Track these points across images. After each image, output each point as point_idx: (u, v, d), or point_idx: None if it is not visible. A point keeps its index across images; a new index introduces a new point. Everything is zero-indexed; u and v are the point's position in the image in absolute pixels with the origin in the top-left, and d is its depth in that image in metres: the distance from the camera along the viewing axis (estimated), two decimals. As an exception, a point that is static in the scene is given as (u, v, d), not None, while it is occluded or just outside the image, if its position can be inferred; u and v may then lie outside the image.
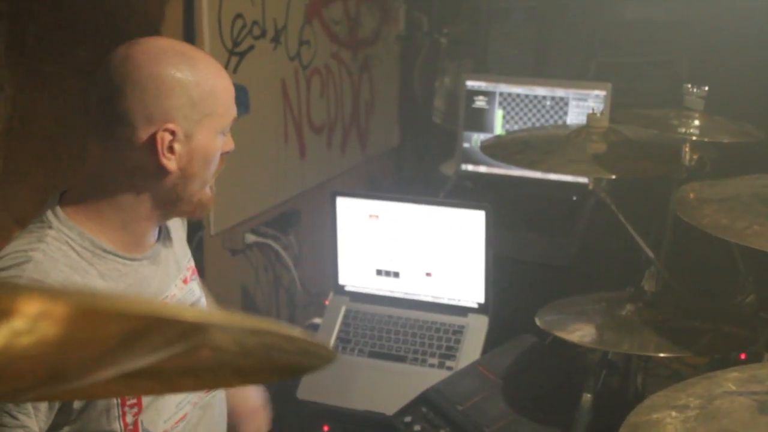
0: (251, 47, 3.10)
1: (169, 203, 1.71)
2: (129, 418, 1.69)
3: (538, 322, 2.26)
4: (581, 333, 2.20)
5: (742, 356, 2.43)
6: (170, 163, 1.64)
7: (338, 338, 2.77)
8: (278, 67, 3.27)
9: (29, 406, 1.57)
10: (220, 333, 0.67)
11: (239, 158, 3.04)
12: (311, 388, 2.69)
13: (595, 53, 3.83)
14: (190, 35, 2.79)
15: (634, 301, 2.28)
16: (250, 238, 3.16)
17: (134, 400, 1.69)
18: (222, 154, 1.73)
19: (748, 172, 2.19)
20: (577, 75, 3.57)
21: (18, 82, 2.17)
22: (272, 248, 3.20)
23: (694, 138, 2.20)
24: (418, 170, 4.02)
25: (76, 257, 1.65)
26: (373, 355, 2.72)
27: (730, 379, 1.25)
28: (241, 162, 3.05)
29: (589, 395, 2.21)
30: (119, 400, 1.66)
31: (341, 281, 2.85)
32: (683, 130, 2.21)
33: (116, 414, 1.67)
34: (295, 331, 0.74)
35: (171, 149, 1.63)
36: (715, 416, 1.12)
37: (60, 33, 2.31)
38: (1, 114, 2.16)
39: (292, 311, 3.28)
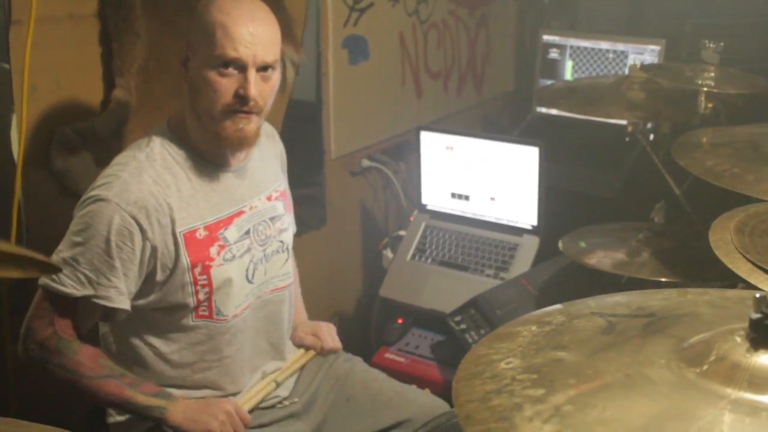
0: (371, 4, 3.05)
1: (197, 119, 1.72)
2: (201, 296, 1.75)
3: (560, 246, 2.17)
4: (593, 256, 2.10)
5: None
6: (186, 78, 1.72)
7: (417, 248, 2.76)
8: (396, 21, 3.21)
9: (120, 271, 1.65)
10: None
11: (358, 96, 3.06)
12: (391, 288, 2.70)
13: (689, 14, 3.54)
14: (314, -6, 2.77)
15: (646, 232, 2.14)
16: (366, 162, 3.15)
17: (206, 281, 1.73)
18: (239, 97, 1.66)
19: (759, 122, 1.99)
20: (671, 35, 3.31)
21: (152, 30, 2.23)
22: (384, 172, 3.19)
23: (705, 89, 2.02)
24: (527, 111, 3.88)
25: (172, 160, 1.74)
26: (442, 263, 2.70)
27: (609, 301, 1.16)
28: (360, 100, 3.05)
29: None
30: (192, 279, 1.72)
31: (424, 201, 2.82)
32: (698, 81, 2.02)
33: (190, 290, 1.74)
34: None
35: (186, 66, 1.72)
36: (563, 333, 1.05)
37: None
38: (137, 55, 2.22)
39: (399, 223, 3.27)
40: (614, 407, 0.85)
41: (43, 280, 1.66)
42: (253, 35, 1.65)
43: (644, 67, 2.28)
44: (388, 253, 2.85)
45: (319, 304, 2.82)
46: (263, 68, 1.68)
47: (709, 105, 2.06)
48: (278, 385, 1.93)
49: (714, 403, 0.85)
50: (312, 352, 2.04)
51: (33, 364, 1.71)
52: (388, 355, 2.52)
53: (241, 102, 1.67)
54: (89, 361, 1.68)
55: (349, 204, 3.17)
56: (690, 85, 2.03)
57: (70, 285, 1.65)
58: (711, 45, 2.02)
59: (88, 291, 1.65)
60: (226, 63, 1.65)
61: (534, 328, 1.07)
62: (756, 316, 0.89)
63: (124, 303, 1.69)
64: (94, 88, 2.16)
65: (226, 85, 1.66)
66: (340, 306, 3.03)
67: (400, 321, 2.63)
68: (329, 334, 2.06)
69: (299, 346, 2.04)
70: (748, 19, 3.52)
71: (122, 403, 1.70)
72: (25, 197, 2.01)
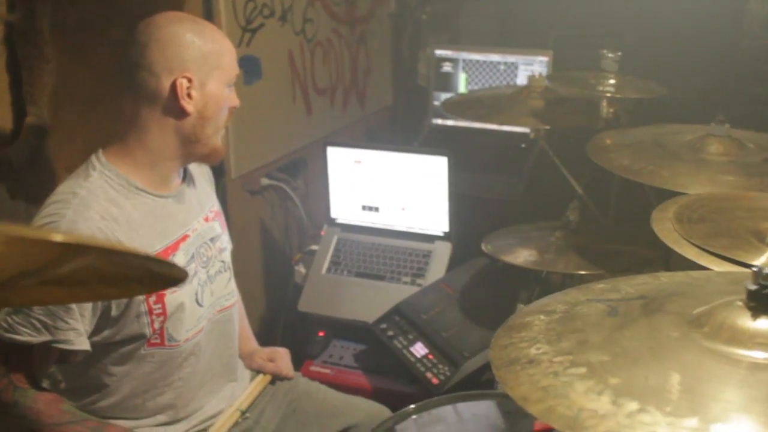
0: (262, 25, 3.08)
1: (189, 144, 1.76)
2: (156, 325, 1.74)
3: (483, 247, 2.28)
4: (517, 255, 2.22)
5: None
6: (189, 106, 1.72)
7: (331, 261, 2.81)
8: (286, 41, 3.26)
9: (76, 312, 1.62)
10: (92, 252, 0.70)
11: (254, 115, 3.09)
12: (309, 302, 2.74)
13: (554, 27, 3.79)
14: (208, 16, 2.78)
15: (562, 229, 2.29)
16: (265, 181, 3.17)
17: (160, 310, 1.73)
18: (229, 108, 1.79)
19: (655, 123, 2.19)
20: (537, 46, 3.54)
21: (61, 56, 2.19)
22: (283, 189, 3.22)
23: (608, 95, 2.19)
24: (408, 123, 4.01)
25: (114, 193, 1.71)
26: (359, 275, 2.76)
27: (595, 289, 1.26)
28: (256, 118, 3.07)
29: (522, 305, 2.23)
30: (147, 309, 1.71)
31: (333, 215, 2.88)
32: (600, 88, 2.20)
33: (146, 321, 1.72)
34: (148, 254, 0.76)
35: (189, 95, 1.71)
36: (573, 318, 1.15)
37: (97, 15, 2.32)
38: (47, 82, 2.18)
39: (300, 240, 3.31)
40: (655, 377, 0.95)
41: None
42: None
43: (548, 77, 2.45)
44: (301, 269, 2.89)
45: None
46: None
47: (610, 110, 2.24)
48: (243, 413, 1.95)
49: (736, 363, 0.97)
50: (268, 377, 2.07)
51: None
52: (313, 368, 2.56)
53: (231, 113, 1.81)
54: (50, 409, 1.64)
55: (251, 223, 3.19)
56: (593, 92, 2.20)
57: (25, 333, 1.60)
58: (609, 54, 2.20)
59: (46, 337, 1.61)
60: (235, 80, 1.79)
61: (542, 317, 1.16)
62: (753, 287, 1.02)
63: (83, 344, 1.66)
64: (5, 117, 2.10)
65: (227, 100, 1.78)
66: (252, 323, 3.02)
67: (321, 334, 2.67)
68: (285, 360, 2.11)
69: (257, 372, 2.07)
70: (604, 29, 3.81)
71: None
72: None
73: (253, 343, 2.21)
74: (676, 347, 1.01)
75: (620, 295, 1.21)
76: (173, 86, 1.69)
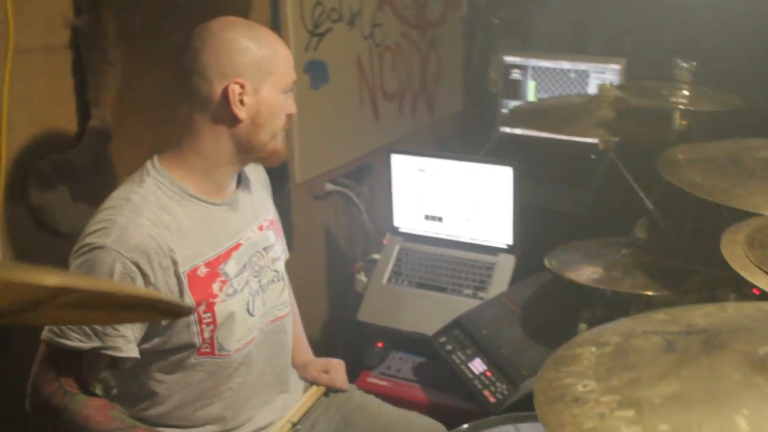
0: (329, 29, 3.06)
1: (243, 150, 1.74)
2: (206, 334, 1.72)
3: (546, 262, 2.20)
4: (581, 272, 2.13)
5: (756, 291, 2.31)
6: (241, 112, 1.69)
7: (392, 271, 2.76)
8: (354, 45, 3.23)
9: None
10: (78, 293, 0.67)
11: (320, 120, 3.06)
12: (369, 312, 2.70)
13: (629, 33, 3.66)
14: (275, 20, 2.77)
15: (629, 246, 2.19)
16: (330, 186, 3.15)
17: (210, 319, 1.71)
18: (288, 115, 1.77)
19: (731, 136, 2.07)
20: (613, 53, 3.42)
21: (126, 59, 2.19)
22: (348, 196, 3.19)
23: (681, 107, 2.09)
24: (478, 130, 3.93)
25: (167, 199, 1.70)
26: (419, 285, 2.70)
27: (654, 320, 1.18)
28: (322, 123, 3.05)
29: (584, 325, 2.14)
30: (197, 318, 1.69)
31: (396, 224, 2.83)
32: (673, 99, 2.09)
33: (195, 330, 1.70)
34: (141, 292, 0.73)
35: (242, 101, 1.68)
36: (627, 353, 1.07)
37: (162, 19, 2.32)
38: (111, 86, 2.18)
39: (364, 248, 3.27)
40: (711, 425, 0.87)
41: (47, 334, 1.61)
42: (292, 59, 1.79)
43: (619, 87, 2.35)
44: (362, 277, 2.84)
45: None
46: None
47: (683, 122, 2.13)
48: (294, 425, 1.92)
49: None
50: (322, 388, 2.03)
51: (41, 421, 1.66)
52: (370, 380, 2.51)
53: (290, 119, 1.79)
54: (99, 415, 1.63)
55: (314, 229, 3.17)
56: (665, 103, 2.10)
57: (75, 338, 1.60)
58: (683, 64, 2.10)
59: (95, 343, 1.61)
60: (292, 87, 1.77)
61: (594, 349, 1.08)
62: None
63: (132, 351, 1.65)
64: (70, 120, 2.12)
65: (285, 106, 1.77)
66: (310, 332, 3.00)
67: (379, 345, 2.62)
68: (340, 372, 2.07)
69: (311, 383, 2.04)
70: (683, 36, 3.67)
71: None
72: (1, 234, 1.95)
73: (308, 353, 2.18)
74: (738, 392, 0.93)
75: (680, 328, 1.13)
76: (225, 92, 1.67)
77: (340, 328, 2.83)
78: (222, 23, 1.71)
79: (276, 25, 2.77)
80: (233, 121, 1.70)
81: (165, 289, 1.65)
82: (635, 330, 1.14)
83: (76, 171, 2.10)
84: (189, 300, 1.68)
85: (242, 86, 1.68)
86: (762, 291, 1.40)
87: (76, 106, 2.12)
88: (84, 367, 1.65)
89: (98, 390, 1.76)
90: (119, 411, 1.69)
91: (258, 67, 1.69)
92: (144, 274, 1.62)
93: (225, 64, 1.67)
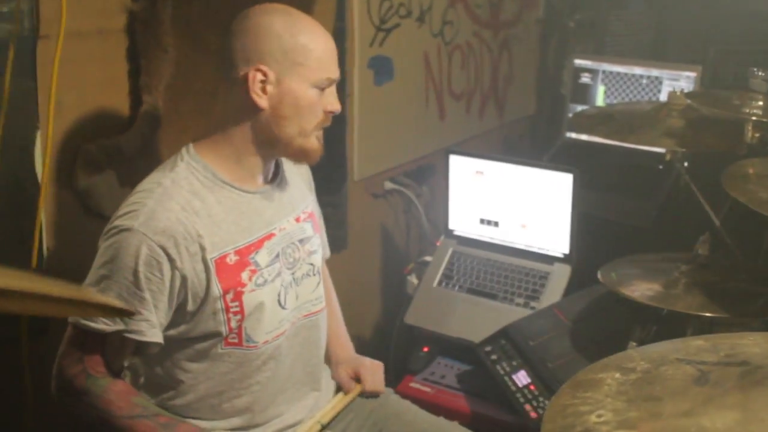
0: (397, 24, 2.99)
1: (268, 142, 1.68)
2: (233, 323, 1.67)
3: (599, 276, 2.08)
4: (635, 288, 2.01)
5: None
6: (261, 100, 1.64)
7: (443, 274, 2.67)
8: (422, 42, 3.15)
9: (150, 302, 1.58)
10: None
11: (382, 117, 2.99)
12: (416, 315, 2.62)
13: (712, 41, 3.49)
14: (341, 14, 2.71)
15: (689, 263, 2.06)
16: (389, 185, 3.08)
17: (237, 308, 1.66)
18: (326, 113, 1.69)
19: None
20: (694, 61, 3.26)
21: (181, 47, 2.17)
22: (407, 195, 3.11)
23: (754, 118, 1.94)
24: (550, 134, 3.81)
25: (199, 185, 1.66)
26: (470, 291, 2.61)
27: (690, 346, 1.07)
28: (384, 120, 2.99)
29: (634, 344, 2.01)
30: (224, 306, 1.65)
31: (451, 226, 2.74)
32: (746, 109, 1.95)
33: (222, 318, 1.66)
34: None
35: (264, 90, 1.63)
36: (652, 382, 0.97)
37: (221, 7, 2.29)
38: (164, 72, 2.16)
39: (421, 249, 3.19)
40: (731, 472, 0.77)
41: (74, 320, 1.59)
42: (336, 54, 1.69)
43: (688, 95, 2.21)
44: (413, 279, 2.76)
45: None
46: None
47: (756, 135, 1.99)
48: (324, 427, 1.85)
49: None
50: (357, 390, 1.96)
51: (64, 403, 1.64)
52: (413, 385, 2.43)
53: (331, 117, 1.70)
54: (120, 400, 1.60)
55: (370, 227, 3.10)
56: (737, 113, 1.96)
57: (100, 320, 1.57)
58: (760, 73, 1.95)
59: (119, 326, 1.58)
60: (329, 83, 1.67)
61: (618, 375, 0.98)
62: None
63: (156, 336, 1.62)
64: (121, 105, 2.10)
65: (320, 103, 1.67)
66: (360, 331, 2.94)
67: (425, 349, 2.54)
68: (372, 376, 1.99)
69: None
70: (763, 45, 3.47)
71: None
72: (47, 217, 1.94)
73: (348, 349, 2.09)
74: (769, 436, 0.81)
75: (717, 357, 1.01)
76: (246, 78, 1.62)
77: (392, 329, 2.75)
78: (261, 8, 1.66)
79: (341, 19, 2.71)
80: (254, 109, 1.64)
81: (192, 275, 1.61)
82: (667, 356, 1.03)
83: (124, 156, 2.09)
84: (216, 288, 1.63)
85: (264, 74, 1.62)
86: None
87: (128, 92, 2.11)
88: (108, 351, 1.62)
89: (127, 378, 1.73)
90: (143, 398, 1.66)
91: (284, 56, 1.62)
92: (170, 259, 1.59)
93: (250, 49, 1.62)
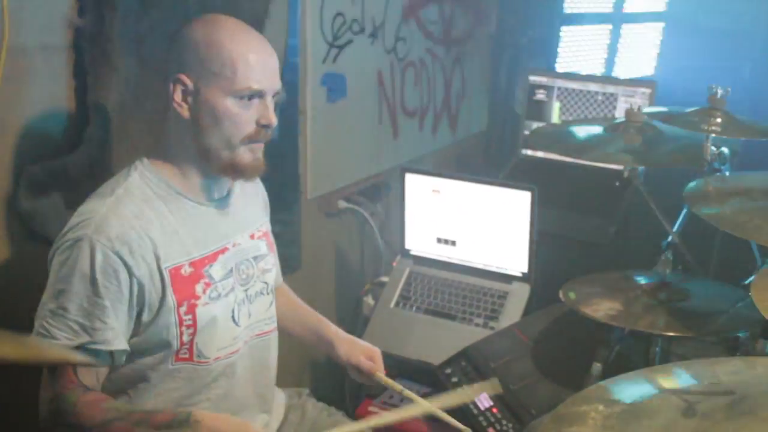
0: (350, 41, 2.94)
1: (199, 154, 1.64)
2: (185, 337, 1.64)
3: (561, 295, 2.06)
4: (597, 307, 1.98)
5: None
6: (182, 110, 1.61)
7: (400, 295, 2.62)
8: (375, 59, 3.11)
9: (111, 310, 1.54)
10: None
11: (336, 134, 2.94)
12: (374, 337, 2.55)
13: (662, 57, 3.52)
14: (293, 30, 2.66)
15: (651, 281, 2.04)
16: (343, 204, 3.02)
17: (190, 322, 1.63)
18: (259, 126, 1.62)
19: (765, 169, 1.93)
20: (644, 76, 3.28)
21: (130, 64, 2.09)
22: (361, 214, 3.06)
23: (713, 135, 1.94)
24: (502, 151, 3.80)
25: (152, 195, 1.63)
26: (428, 312, 2.56)
27: (673, 373, 1.04)
28: (337, 138, 2.94)
29: (599, 364, 1.98)
30: (177, 320, 1.61)
31: (407, 246, 2.70)
32: (705, 126, 1.95)
33: (175, 332, 1.62)
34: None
35: (186, 100, 1.60)
36: (639, 416, 0.92)
37: (172, 23, 2.21)
38: (114, 90, 2.08)
39: (375, 269, 3.14)
40: None
41: (34, 337, 1.53)
42: (269, 65, 1.64)
43: (648, 111, 2.20)
44: (370, 300, 2.71)
45: (292, 351, 2.67)
46: (273, 96, 1.65)
47: (716, 151, 1.98)
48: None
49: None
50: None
51: None
52: (372, 409, 2.38)
53: (263, 131, 1.63)
54: (91, 410, 1.54)
55: (324, 247, 3.04)
56: (697, 130, 1.95)
57: (62, 337, 1.52)
58: (718, 90, 1.95)
59: (84, 338, 1.53)
60: (251, 95, 1.60)
61: (601, 408, 0.94)
62: None
63: (122, 344, 1.58)
64: (67, 125, 2.01)
65: (248, 114, 1.61)
66: (315, 355, 2.88)
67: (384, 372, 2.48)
68: (380, 364, 1.95)
69: (355, 367, 1.91)
70: (718, 62, 3.52)
71: None
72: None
73: (333, 328, 2.02)
74: (766, 473, 0.78)
75: (702, 387, 0.98)
76: (169, 87, 1.61)
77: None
78: (199, 20, 1.64)
79: (293, 35, 2.66)
80: (180, 120, 1.62)
81: (148, 283, 1.58)
82: (650, 387, 0.99)
83: (70, 178, 2.00)
84: (171, 299, 1.60)
85: (184, 84, 1.59)
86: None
87: (75, 111, 2.02)
88: (78, 369, 1.56)
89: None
90: (113, 402, 1.59)
91: (201, 66, 1.59)
92: (127, 266, 1.55)
93: (174, 58, 1.62)
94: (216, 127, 1.61)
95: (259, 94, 1.62)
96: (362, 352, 1.94)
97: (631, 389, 0.99)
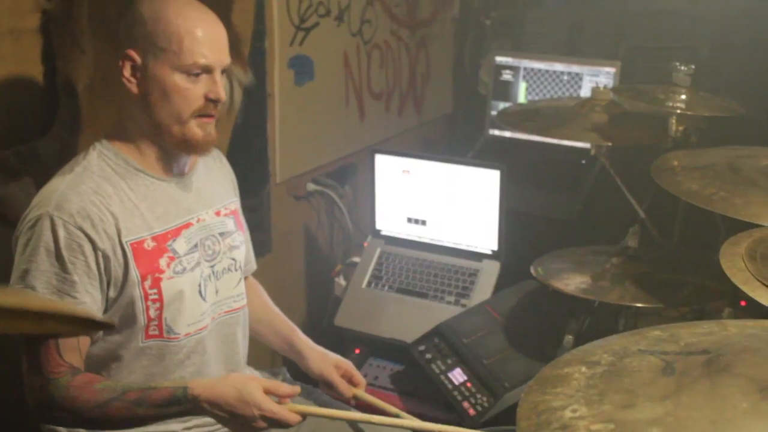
0: (316, 24, 2.95)
1: (152, 129, 1.66)
2: (152, 312, 1.65)
3: (533, 270, 2.10)
4: (568, 281, 2.03)
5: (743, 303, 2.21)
6: (132, 86, 1.63)
7: (372, 275, 2.65)
8: (341, 41, 3.12)
9: (80, 285, 1.55)
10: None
11: (303, 117, 2.95)
12: (346, 317, 2.59)
13: (624, 38, 3.57)
14: (260, 13, 2.66)
15: (619, 256, 2.09)
16: (311, 186, 3.04)
17: (156, 296, 1.64)
18: (207, 100, 1.63)
19: (728, 144, 1.98)
20: (607, 57, 3.32)
21: (99, 47, 2.08)
22: (330, 196, 3.08)
23: (678, 111, 1.99)
24: (468, 133, 3.82)
25: (110, 171, 1.65)
26: (400, 291, 2.59)
27: (649, 337, 1.08)
28: (305, 121, 2.94)
29: (570, 337, 2.04)
30: (142, 293, 1.62)
31: (378, 226, 2.72)
32: (670, 104, 2.00)
33: (141, 306, 1.63)
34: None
35: (135, 75, 1.62)
36: (620, 374, 0.97)
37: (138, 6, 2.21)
38: (82, 74, 2.08)
39: (345, 250, 3.16)
40: (715, 461, 0.77)
41: None
42: (218, 40, 1.64)
43: (614, 89, 2.25)
44: (341, 281, 2.74)
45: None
46: (222, 71, 1.66)
47: (680, 128, 2.03)
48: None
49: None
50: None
51: (48, 422, 1.64)
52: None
53: (212, 105, 1.64)
54: (84, 393, 1.54)
55: (294, 230, 3.06)
56: (662, 107, 2.00)
57: None
58: (682, 68, 2.00)
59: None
60: (199, 70, 1.61)
61: (584, 369, 0.98)
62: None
63: (96, 315, 1.55)
64: (37, 108, 2.00)
65: (196, 89, 1.62)
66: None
67: (357, 351, 2.51)
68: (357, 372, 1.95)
69: (328, 383, 1.91)
70: (676, 42, 3.58)
71: (142, 419, 1.56)
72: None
73: (310, 342, 2.01)
74: (744, 422, 0.82)
75: (679, 347, 1.02)
76: (119, 63, 1.62)
77: (317, 333, 2.71)
78: None
79: (260, 17, 2.66)
80: (131, 95, 1.64)
81: (112, 256, 1.59)
82: (629, 348, 1.03)
83: (42, 162, 1.99)
84: (134, 272, 1.61)
85: (132, 59, 1.61)
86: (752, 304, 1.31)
87: (45, 94, 2.01)
88: (62, 349, 1.56)
89: None
90: (106, 382, 1.59)
91: (147, 41, 1.60)
92: (90, 239, 1.57)
93: (123, 34, 1.63)
94: (165, 103, 1.61)
95: (207, 69, 1.62)
96: (335, 366, 1.93)
97: (610, 351, 1.03)
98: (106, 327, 0.68)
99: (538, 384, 0.97)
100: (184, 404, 1.55)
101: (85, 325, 0.68)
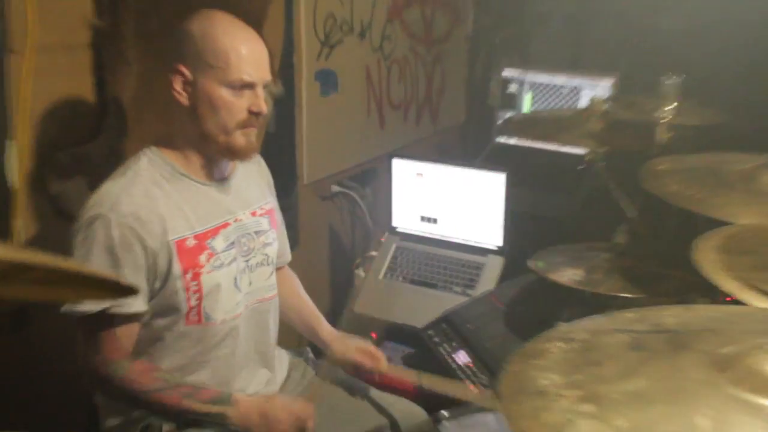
0: (340, 40, 3.00)
1: (198, 138, 1.69)
2: (193, 302, 1.69)
3: (530, 263, 2.13)
4: (562, 274, 2.05)
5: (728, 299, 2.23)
6: (182, 98, 1.66)
7: (388, 267, 2.69)
8: (363, 56, 3.16)
9: (130, 278, 1.59)
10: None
11: (329, 126, 3.00)
12: (365, 305, 2.63)
13: (624, 54, 3.58)
14: (289, 31, 2.71)
15: (609, 251, 2.12)
16: (335, 188, 3.09)
17: (196, 288, 1.68)
18: (251, 113, 1.66)
19: (712, 150, 2.00)
20: (609, 71, 3.33)
21: (143, 60, 2.14)
22: (352, 197, 3.12)
23: (664, 120, 2.01)
24: (478, 141, 3.85)
25: (159, 176, 1.69)
26: (413, 282, 2.64)
27: (623, 318, 1.11)
28: (330, 129, 2.99)
29: (562, 323, 2.05)
30: (184, 286, 1.67)
31: (394, 224, 2.76)
32: (657, 114, 2.02)
33: (183, 297, 1.68)
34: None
35: (185, 89, 1.65)
36: (592, 349, 1.00)
37: (176, 22, 2.26)
38: (128, 84, 2.13)
39: (365, 245, 3.20)
40: (667, 424, 0.80)
41: (64, 307, 1.59)
42: (260, 58, 1.67)
43: (607, 100, 2.27)
44: (361, 272, 2.78)
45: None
46: (263, 86, 1.69)
47: (667, 136, 2.05)
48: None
49: (757, 414, 0.81)
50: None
51: (99, 391, 1.72)
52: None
53: (255, 117, 1.67)
54: (143, 377, 1.64)
55: (319, 227, 3.10)
56: (650, 117, 2.02)
57: (86, 303, 1.58)
58: (667, 81, 2.02)
59: (105, 303, 1.58)
60: (243, 85, 1.64)
61: (561, 344, 1.01)
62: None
63: (141, 306, 1.64)
64: (89, 115, 2.06)
65: (240, 103, 1.65)
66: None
67: (373, 335, 2.55)
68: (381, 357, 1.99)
69: (353, 365, 1.96)
70: (672, 58, 3.58)
71: (183, 413, 1.65)
72: (22, 222, 1.90)
73: (328, 327, 2.06)
74: (698, 391, 0.85)
75: (648, 327, 1.05)
76: (169, 77, 1.66)
77: (338, 319, 2.76)
78: (197, 15, 1.68)
79: (289, 35, 2.71)
80: (181, 107, 1.67)
81: (158, 253, 1.64)
82: (604, 328, 1.07)
83: (93, 163, 2.06)
84: (177, 267, 1.66)
85: (182, 74, 1.64)
86: (733, 298, 1.33)
87: (95, 103, 2.07)
88: (119, 334, 1.64)
89: None
90: (162, 373, 1.68)
91: (198, 57, 1.63)
92: (140, 238, 1.61)
93: (174, 50, 1.66)
94: (212, 114, 1.65)
95: (250, 85, 1.65)
96: (357, 349, 1.97)
97: (586, 330, 1.06)
98: (130, 291, 0.71)
99: (521, 356, 1.00)
100: (225, 405, 1.64)
101: (111, 288, 0.72)
